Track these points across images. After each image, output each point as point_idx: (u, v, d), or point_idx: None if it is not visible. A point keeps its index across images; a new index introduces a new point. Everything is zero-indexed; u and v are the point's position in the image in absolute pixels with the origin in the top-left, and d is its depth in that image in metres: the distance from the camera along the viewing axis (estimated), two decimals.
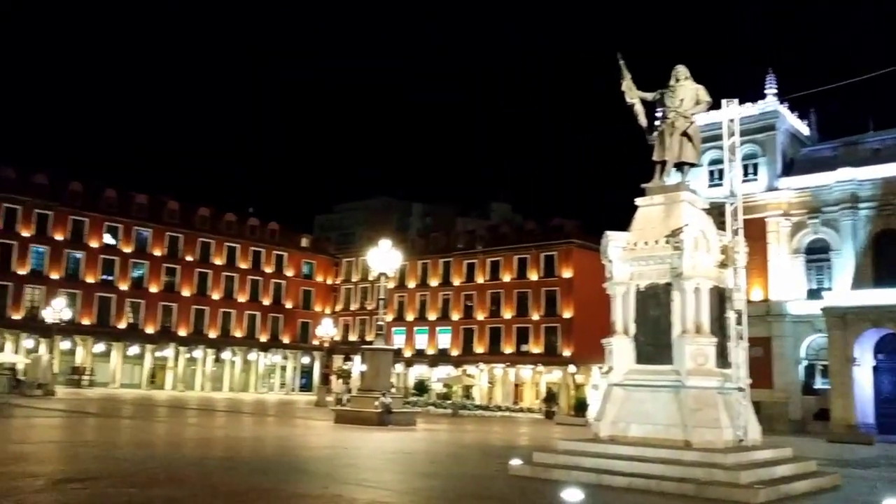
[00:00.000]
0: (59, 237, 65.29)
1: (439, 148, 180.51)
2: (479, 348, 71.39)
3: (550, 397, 60.72)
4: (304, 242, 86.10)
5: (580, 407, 49.51)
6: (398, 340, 72.15)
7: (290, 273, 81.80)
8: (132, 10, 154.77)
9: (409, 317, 77.18)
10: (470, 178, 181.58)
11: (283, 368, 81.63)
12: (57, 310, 51.29)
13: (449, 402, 55.17)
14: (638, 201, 15.64)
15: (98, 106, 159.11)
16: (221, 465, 14.95)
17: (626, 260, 15.10)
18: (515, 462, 14.49)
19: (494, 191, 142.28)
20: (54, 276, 64.67)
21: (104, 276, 68.04)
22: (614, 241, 15.24)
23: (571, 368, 63.01)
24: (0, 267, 61.54)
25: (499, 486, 13.29)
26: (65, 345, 63.36)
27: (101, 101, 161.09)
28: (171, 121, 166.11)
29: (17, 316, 62.07)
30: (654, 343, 14.55)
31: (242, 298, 77.26)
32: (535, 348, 67.73)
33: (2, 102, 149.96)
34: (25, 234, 63.26)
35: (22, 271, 62.99)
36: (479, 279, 72.94)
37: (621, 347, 14.89)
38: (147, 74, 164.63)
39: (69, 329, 59.34)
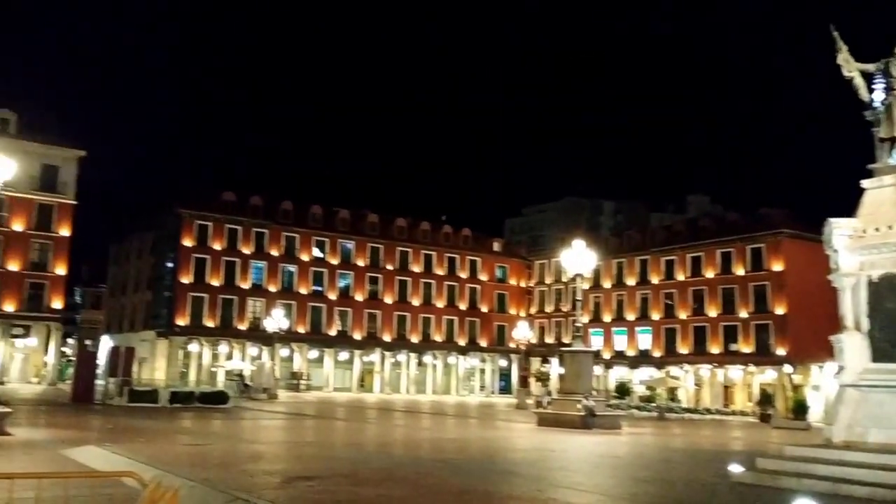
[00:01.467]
0: (274, 253, 70.95)
1: (626, 145, 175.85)
2: (682, 348, 68.49)
3: (765, 399, 56.83)
4: (497, 247, 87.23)
5: (799, 409, 45.82)
6: (596, 342, 70.97)
7: (484, 277, 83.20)
8: (328, 36, 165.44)
9: (607, 317, 75.71)
10: (661, 172, 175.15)
11: (482, 371, 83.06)
12: (276, 320, 55.68)
13: (653, 404, 53.30)
14: (864, 183, 14.13)
15: (302, 131, 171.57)
16: (434, 465, 15.37)
17: (854, 249, 13.70)
18: (736, 468, 13.60)
19: (690, 183, 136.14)
20: (272, 288, 70.30)
21: (315, 288, 73.00)
22: (839, 229, 13.87)
23: (787, 368, 58.67)
24: (226, 282, 67.91)
25: (722, 493, 12.55)
26: (284, 352, 68.60)
27: (304, 127, 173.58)
28: (369, 139, 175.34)
29: (242, 326, 68.14)
30: (892, 339, 13.07)
31: (440, 304, 79.63)
32: (745, 347, 63.84)
33: (215, 133, 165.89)
34: (246, 251, 69.39)
35: (244, 285, 69.11)
36: (680, 276, 70.03)
37: (853, 345, 13.50)
38: (347, 101, 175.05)
39: (287, 337, 64.19)
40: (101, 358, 40.26)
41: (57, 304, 60.98)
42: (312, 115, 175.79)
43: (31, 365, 60.82)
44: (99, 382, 37.30)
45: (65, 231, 61.00)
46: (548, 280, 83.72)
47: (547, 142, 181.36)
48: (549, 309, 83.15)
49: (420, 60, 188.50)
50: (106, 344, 61.27)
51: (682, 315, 69.20)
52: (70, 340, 76.58)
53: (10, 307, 57.44)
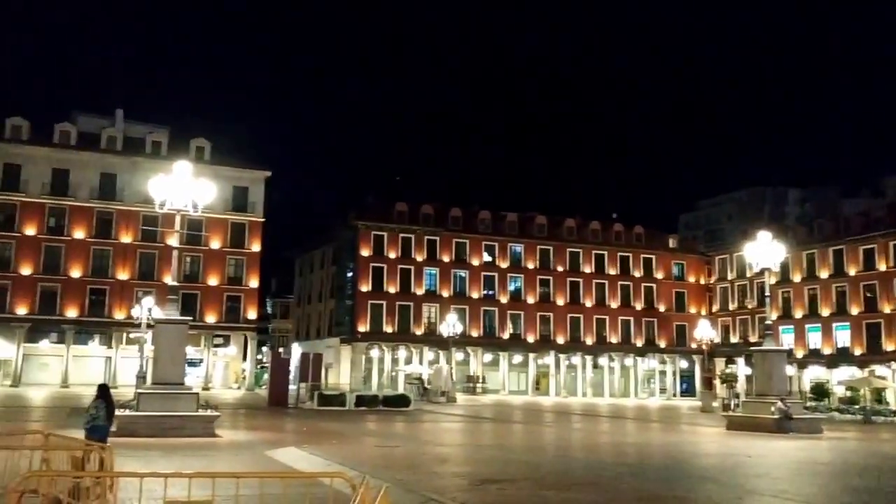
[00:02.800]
0: (445, 259, 72.42)
1: (805, 127, 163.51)
2: (889, 345, 62.46)
3: None
4: (672, 243, 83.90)
5: None
6: (786, 340, 66.28)
7: (659, 275, 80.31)
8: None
9: (798, 313, 70.54)
10: (852, 152, 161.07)
11: (662, 373, 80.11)
12: (450, 324, 56.77)
13: (857, 406, 48.91)
14: None
15: (467, 139, 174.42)
16: (619, 470, 14.91)
17: None
18: None
19: (888, 163, 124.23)
20: (445, 294, 71.80)
21: (486, 292, 73.71)
22: None
23: None
24: (402, 289, 70.19)
25: None
26: (459, 355, 69.76)
27: (470, 134, 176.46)
28: (534, 141, 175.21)
29: (418, 331, 70.13)
30: None
31: (614, 304, 77.75)
32: None
33: (386, 147, 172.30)
34: (419, 258, 71.38)
35: (419, 292, 71.09)
36: (881, 266, 64.00)
37: None
38: (508, 104, 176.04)
39: (461, 341, 65.29)
40: (293, 364, 42.81)
41: (251, 314, 65.93)
42: (476, 121, 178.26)
43: (230, 371, 66.08)
44: (291, 387, 39.71)
45: (256, 247, 65.89)
46: (730, 276, 79.35)
47: (718, 131, 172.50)
48: (732, 306, 78.75)
49: (581, 55, 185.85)
50: (296, 351, 65.31)
51: (886, 309, 63.08)
52: (264, 348, 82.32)
53: (211, 318, 62.76)
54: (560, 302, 75.83)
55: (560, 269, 76.34)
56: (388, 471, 12.98)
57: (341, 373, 66.95)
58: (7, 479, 8.05)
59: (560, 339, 75.02)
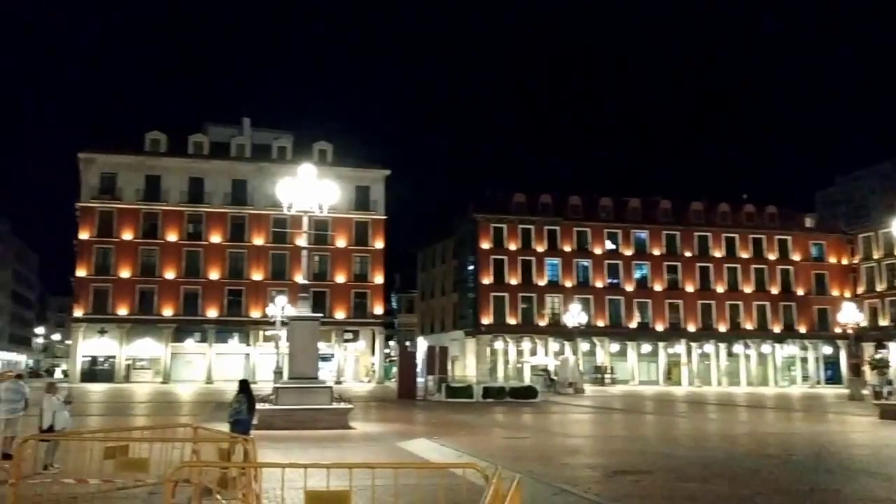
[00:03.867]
0: (567, 249, 71.48)
1: None
2: None
3: None
4: (809, 222, 79.14)
5: None
6: None
7: (796, 257, 75.97)
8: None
9: None
10: None
11: (804, 360, 75.79)
12: (574, 314, 55.94)
13: None
14: None
15: (582, 125, 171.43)
16: (766, 461, 14.15)
17: None
18: None
19: None
20: (568, 284, 70.88)
21: (610, 280, 72.16)
22: None
23: None
24: (524, 280, 69.89)
25: None
26: (584, 346, 68.74)
27: (585, 121, 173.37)
28: (654, 124, 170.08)
29: (542, 322, 69.60)
30: None
31: (748, 289, 74.25)
32: None
33: (499, 140, 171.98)
34: (539, 249, 70.79)
35: (541, 282, 70.52)
36: None
37: None
38: (623, 87, 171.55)
39: (587, 331, 64.23)
40: (419, 357, 43.56)
41: (378, 310, 67.64)
42: (593, 107, 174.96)
43: (361, 365, 68.08)
44: (419, 380, 40.35)
45: (379, 244, 67.52)
46: (876, 255, 74.02)
47: (854, 98, 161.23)
48: (880, 287, 73.44)
49: (714, 25, 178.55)
50: (422, 344, 66.40)
51: None
52: (391, 343, 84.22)
53: (340, 314, 64.86)
54: (689, 288, 73.25)
55: (688, 254, 73.72)
56: (518, 462, 12.90)
57: (467, 365, 67.48)
58: (163, 468, 8.56)
59: (691, 327, 72.51)
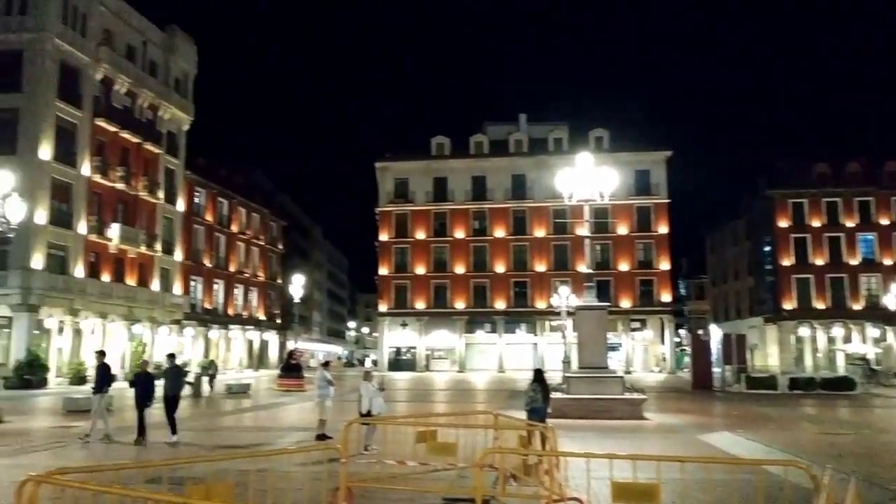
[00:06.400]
0: (884, 221, 62.98)
1: None
2: None
3: None
4: None
5: None
6: None
7: None
8: None
9: None
10: None
11: None
12: None
13: None
14: None
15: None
16: None
17: None
18: None
19: None
20: (887, 261, 62.56)
21: None
22: None
23: None
24: (832, 260, 62.98)
25: None
26: None
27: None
28: None
29: (856, 306, 62.21)
30: None
31: None
32: None
33: (794, 105, 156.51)
34: (849, 224, 63.24)
35: (853, 261, 63.03)
36: None
37: None
38: None
39: None
40: (713, 346, 41.21)
41: (665, 297, 65.38)
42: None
43: (650, 355, 66.29)
44: (714, 370, 38.22)
45: (663, 229, 65.21)
46: None
47: None
48: None
49: None
50: (715, 332, 62.85)
51: None
52: (681, 331, 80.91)
53: (626, 303, 63.75)
54: None
55: None
56: (838, 461, 11.57)
57: (768, 354, 62.69)
58: (468, 453, 8.94)
59: None
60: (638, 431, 17.22)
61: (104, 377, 15.69)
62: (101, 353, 16.67)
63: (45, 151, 38.18)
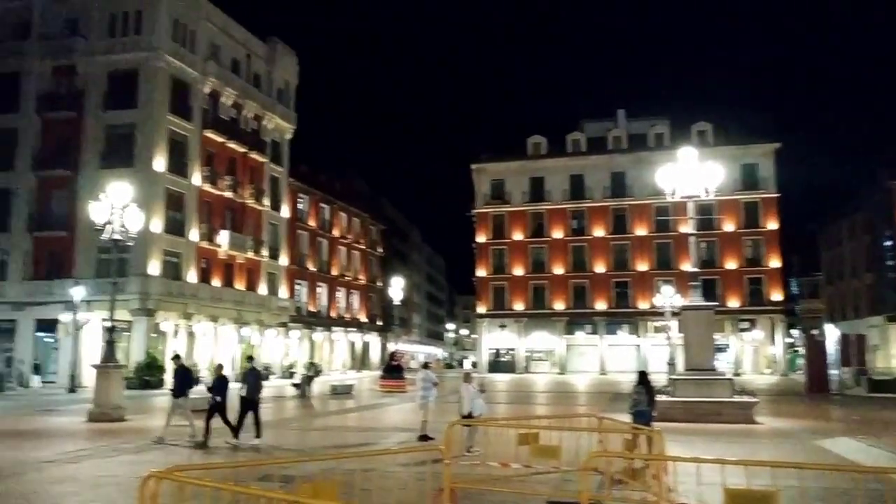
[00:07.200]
0: None
1: None
2: None
3: None
4: None
5: None
6: None
7: None
8: None
9: None
10: None
11: None
12: None
13: None
14: None
15: None
16: None
17: None
18: None
19: None
20: None
21: None
22: None
23: None
24: None
25: None
26: None
27: None
28: None
29: None
30: None
31: None
32: None
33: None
34: None
35: None
36: None
37: None
38: None
39: None
40: (829, 347, 39.17)
41: (775, 296, 62.56)
42: None
43: (760, 356, 63.54)
44: (831, 372, 36.31)
45: (772, 224, 62.46)
46: None
47: None
48: None
49: None
50: (831, 332, 59.66)
51: None
52: (793, 331, 77.19)
53: (734, 303, 61.39)
54: None
55: None
56: None
57: (891, 355, 58.95)
58: (571, 456, 8.81)
59: None
60: (749, 436, 16.54)
61: (183, 381, 15.90)
62: (178, 357, 17.28)
63: (160, 163, 40.29)
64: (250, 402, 14.98)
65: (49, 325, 38.95)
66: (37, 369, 37.75)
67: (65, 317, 36.95)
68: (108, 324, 22.29)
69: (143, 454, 13.53)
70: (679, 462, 7.67)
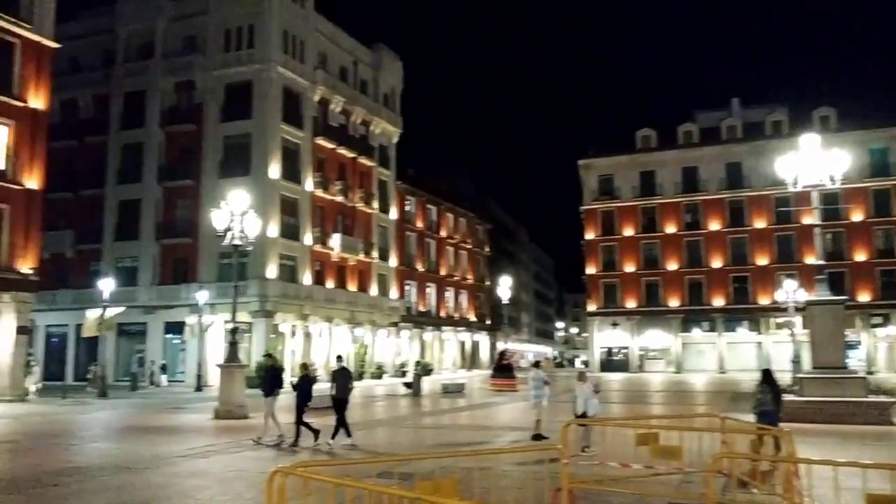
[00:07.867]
0: None
1: None
2: None
3: None
4: None
5: None
6: None
7: None
8: None
9: None
10: None
11: None
12: None
13: None
14: None
15: None
16: None
17: None
18: None
19: None
20: None
21: None
22: None
23: None
24: None
25: None
26: None
27: None
28: None
29: None
30: None
31: None
32: None
33: None
34: None
35: None
36: None
37: None
38: None
39: None
40: None
41: None
42: None
43: (895, 354, 59.40)
44: None
45: None
46: None
47: None
48: None
49: None
50: None
51: None
52: None
53: (865, 297, 57.61)
54: None
55: None
56: None
57: None
58: (692, 457, 8.48)
59: None
60: (886, 438, 15.49)
61: (273, 380, 16.05)
62: (270, 356, 17.64)
63: (275, 171, 41.86)
64: (341, 402, 14.82)
65: (176, 328, 41.30)
66: (164, 369, 39.97)
67: (191, 319, 39.05)
68: (231, 325, 23.31)
69: (264, 451, 14.05)
70: (814, 465, 7.22)
